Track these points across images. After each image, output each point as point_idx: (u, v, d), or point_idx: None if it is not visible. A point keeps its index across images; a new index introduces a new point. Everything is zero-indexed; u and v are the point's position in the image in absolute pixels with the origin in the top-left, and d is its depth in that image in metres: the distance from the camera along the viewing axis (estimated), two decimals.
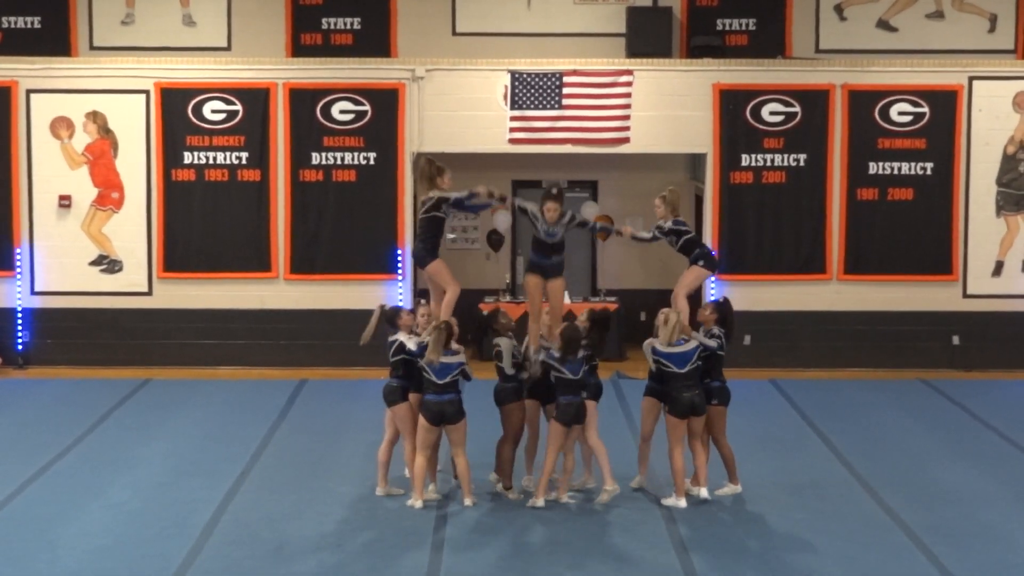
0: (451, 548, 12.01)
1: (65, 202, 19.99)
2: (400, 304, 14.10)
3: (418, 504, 13.13)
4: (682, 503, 13.15)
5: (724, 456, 13.70)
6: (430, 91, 20.05)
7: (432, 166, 13.69)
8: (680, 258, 14.16)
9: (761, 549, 12.05)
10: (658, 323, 13.46)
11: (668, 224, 13.85)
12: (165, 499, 13.37)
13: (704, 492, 13.37)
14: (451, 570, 11.50)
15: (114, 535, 12.26)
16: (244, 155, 20.02)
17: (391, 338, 13.46)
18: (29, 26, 21.37)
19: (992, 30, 21.54)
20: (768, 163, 20.21)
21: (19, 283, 19.98)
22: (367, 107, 20.02)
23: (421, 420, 13.12)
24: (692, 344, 13.25)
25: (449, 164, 21.00)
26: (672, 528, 12.60)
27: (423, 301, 14.26)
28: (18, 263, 19.96)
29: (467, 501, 13.20)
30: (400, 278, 19.90)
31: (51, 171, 20.00)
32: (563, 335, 13.15)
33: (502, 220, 21.70)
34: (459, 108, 20.05)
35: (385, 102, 20.01)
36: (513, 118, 20.05)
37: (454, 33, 21.57)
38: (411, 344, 13.26)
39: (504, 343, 13.44)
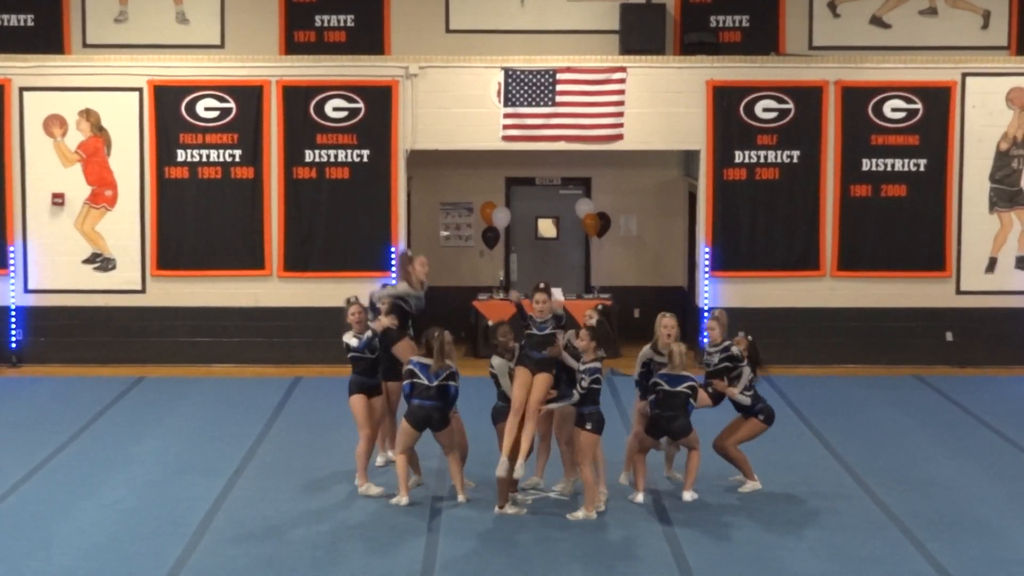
0: (446, 544, 12.02)
1: (58, 200, 19.95)
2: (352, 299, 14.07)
3: (403, 501, 13.16)
4: (639, 498, 13.25)
5: (737, 457, 13.77)
6: (423, 88, 20.03)
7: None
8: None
9: (756, 544, 12.06)
10: (658, 333, 13.44)
11: (729, 349, 13.82)
12: (159, 497, 13.36)
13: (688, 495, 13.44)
14: (447, 565, 11.51)
15: (109, 533, 12.25)
16: (237, 153, 20.00)
17: (343, 337, 13.65)
18: (22, 24, 21.34)
19: (985, 26, 21.56)
20: (761, 160, 20.20)
21: (12, 281, 19.95)
22: (360, 104, 20.00)
23: (404, 424, 13.18)
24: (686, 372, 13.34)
25: (443, 161, 21.33)
26: (666, 524, 12.61)
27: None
28: (11, 261, 19.93)
29: (460, 498, 13.22)
30: (393, 276, 19.86)
31: (44, 169, 19.97)
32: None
33: (501, 218, 21.67)
34: (452, 105, 20.03)
35: (378, 99, 19.99)
36: (506, 115, 20.04)
37: (447, 30, 21.56)
38: (353, 341, 13.47)
39: (498, 364, 13.12)
